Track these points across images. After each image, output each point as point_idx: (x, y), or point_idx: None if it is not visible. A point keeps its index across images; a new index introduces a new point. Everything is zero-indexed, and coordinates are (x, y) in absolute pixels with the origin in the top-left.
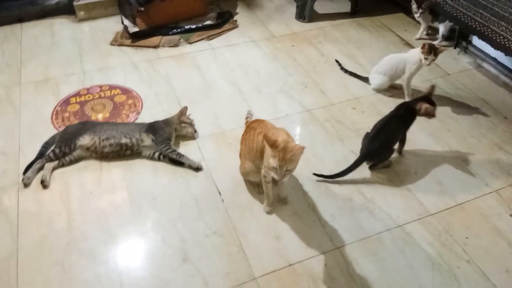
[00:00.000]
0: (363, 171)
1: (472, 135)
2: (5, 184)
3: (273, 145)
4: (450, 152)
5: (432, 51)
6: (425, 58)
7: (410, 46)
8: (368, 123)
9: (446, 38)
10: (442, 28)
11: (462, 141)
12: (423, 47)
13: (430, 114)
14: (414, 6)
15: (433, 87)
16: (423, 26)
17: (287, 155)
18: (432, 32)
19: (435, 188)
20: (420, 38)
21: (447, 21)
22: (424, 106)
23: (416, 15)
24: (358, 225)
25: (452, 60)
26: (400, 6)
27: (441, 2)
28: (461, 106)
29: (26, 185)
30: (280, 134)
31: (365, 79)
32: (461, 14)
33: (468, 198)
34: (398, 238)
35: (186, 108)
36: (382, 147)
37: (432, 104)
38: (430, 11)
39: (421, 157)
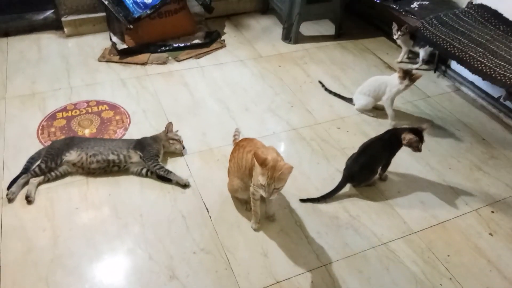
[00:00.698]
0: (348, 189)
1: (452, 156)
2: None
3: (263, 163)
4: (431, 171)
5: (407, 76)
6: (400, 83)
7: (391, 69)
8: (352, 143)
9: (426, 62)
10: (422, 52)
11: (443, 161)
12: (399, 72)
13: (413, 147)
14: (394, 29)
15: (428, 123)
16: (404, 50)
17: (276, 174)
18: (412, 56)
19: (418, 206)
20: (401, 62)
21: (427, 46)
22: (408, 136)
23: (395, 36)
24: (344, 242)
25: (432, 83)
26: (382, 31)
27: (421, 28)
28: (441, 128)
29: (10, 200)
30: (269, 152)
31: (349, 100)
32: (440, 39)
33: (449, 217)
34: (383, 256)
35: (171, 123)
36: (362, 170)
37: (420, 137)
38: (411, 36)
39: (403, 176)
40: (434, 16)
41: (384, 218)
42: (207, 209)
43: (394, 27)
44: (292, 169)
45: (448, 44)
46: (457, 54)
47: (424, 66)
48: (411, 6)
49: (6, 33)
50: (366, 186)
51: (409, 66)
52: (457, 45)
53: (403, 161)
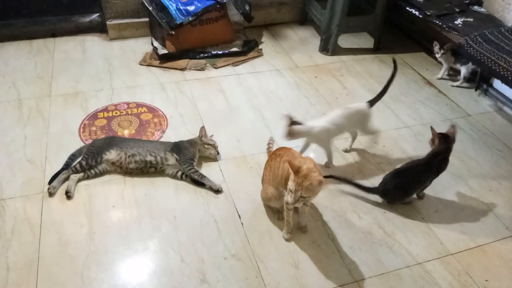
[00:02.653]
0: (384, 206)
1: (492, 177)
2: (30, 192)
3: (297, 171)
4: (470, 192)
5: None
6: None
7: (431, 85)
8: (388, 158)
9: (467, 80)
10: (464, 70)
11: (482, 182)
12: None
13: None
14: (436, 47)
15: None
16: (445, 66)
17: (305, 183)
18: (453, 73)
19: (455, 228)
20: (441, 78)
21: (470, 64)
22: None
23: (437, 55)
24: (377, 259)
25: (473, 101)
26: (422, 46)
27: (465, 45)
28: (481, 148)
29: (51, 194)
30: (306, 163)
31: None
32: (484, 57)
33: (488, 240)
34: (418, 276)
35: (203, 128)
36: (396, 190)
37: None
38: (452, 52)
39: (441, 195)
40: (478, 34)
41: (419, 237)
42: (239, 216)
43: (436, 45)
44: (322, 183)
45: (492, 62)
46: (502, 73)
47: (465, 84)
48: (455, 22)
49: (53, 34)
50: (402, 204)
51: (450, 83)
52: (502, 63)
53: (442, 180)
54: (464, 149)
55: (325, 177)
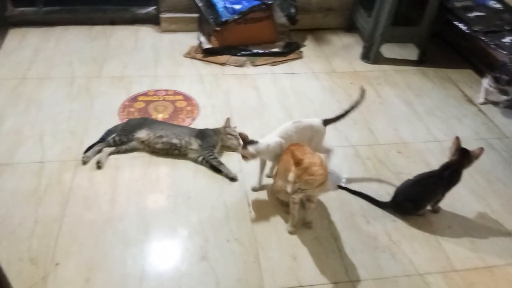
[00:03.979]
0: (395, 214)
1: None
2: (67, 158)
3: (298, 163)
4: (490, 213)
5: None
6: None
7: (471, 103)
8: (410, 169)
9: None
10: (510, 90)
11: (506, 205)
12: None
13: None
14: (491, 81)
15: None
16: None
17: (305, 176)
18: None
19: (467, 245)
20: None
21: None
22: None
23: (490, 88)
24: (377, 264)
25: None
26: (470, 63)
27: (509, 64)
28: None
29: (84, 162)
30: (313, 158)
31: None
32: None
33: (499, 262)
34: (415, 286)
35: (228, 119)
36: (405, 203)
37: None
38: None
39: (458, 212)
40: None
41: (426, 249)
42: (249, 204)
43: (490, 78)
44: (325, 179)
45: None
46: None
47: None
48: (503, 40)
49: (112, 22)
50: (416, 215)
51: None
52: None
53: (462, 197)
54: (494, 170)
55: (339, 187)
